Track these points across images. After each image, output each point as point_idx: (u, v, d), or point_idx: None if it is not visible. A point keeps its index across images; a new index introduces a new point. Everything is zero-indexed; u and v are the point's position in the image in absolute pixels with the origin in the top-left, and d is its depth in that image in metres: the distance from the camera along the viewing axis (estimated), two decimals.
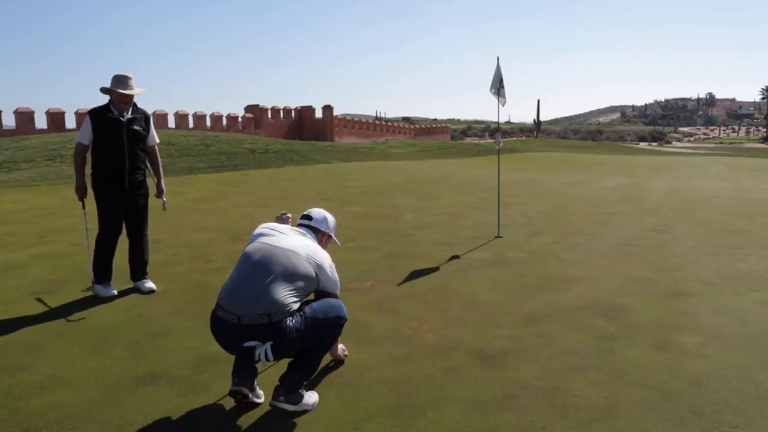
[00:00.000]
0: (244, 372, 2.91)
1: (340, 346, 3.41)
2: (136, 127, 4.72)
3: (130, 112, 4.70)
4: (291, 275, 2.85)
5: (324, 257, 3.05)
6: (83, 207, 4.94)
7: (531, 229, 7.63)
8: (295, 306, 2.83)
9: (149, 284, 4.96)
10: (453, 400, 3.02)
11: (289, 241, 2.99)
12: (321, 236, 3.24)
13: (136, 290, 4.92)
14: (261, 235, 3.07)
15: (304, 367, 2.94)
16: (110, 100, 4.68)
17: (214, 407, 2.98)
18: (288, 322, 2.77)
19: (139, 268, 4.98)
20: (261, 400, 2.98)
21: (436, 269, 5.60)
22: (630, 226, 7.78)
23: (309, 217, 3.25)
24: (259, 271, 2.85)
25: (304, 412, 2.89)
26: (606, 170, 17.50)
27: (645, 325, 4.07)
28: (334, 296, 3.11)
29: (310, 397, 2.96)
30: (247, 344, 2.75)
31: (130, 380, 3.27)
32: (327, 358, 3.48)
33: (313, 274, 2.94)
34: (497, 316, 4.28)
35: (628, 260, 5.92)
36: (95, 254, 4.84)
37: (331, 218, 3.32)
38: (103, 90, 4.65)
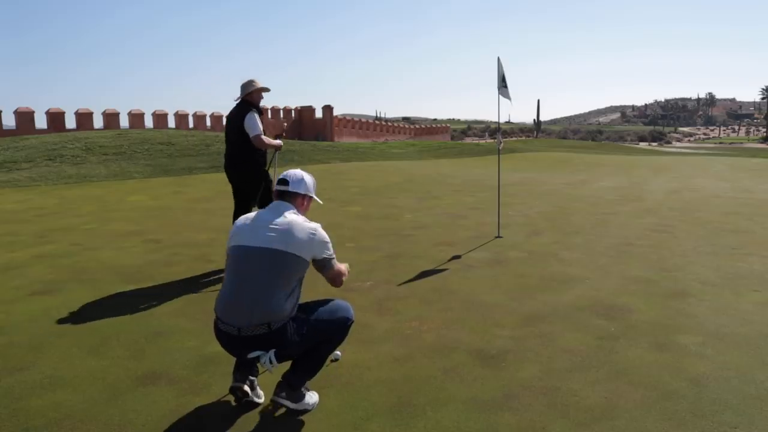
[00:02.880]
0: (245, 370, 2.92)
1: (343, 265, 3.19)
2: None
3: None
4: (278, 272, 2.75)
5: (302, 229, 2.83)
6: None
7: (531, 229, 7.62)
8: (292, 307, 2.78)
9: None
10: (453, 400, 3.02)
11: (264, 235, 2.80)
12: (301, 200, 3.04)
13: None
14: (235, 235, 2.90)
15: (309, 366, 2.93)
16: (245, 100, 5.53)
17: (214, 407, 2.98)
18: (289, 327, 2.75)
19: None
20: (261, 400, 2.98)
21: (436, 269, 5.60)
22: (630, 226, 7.78)
23: (285, 182, 3.01)
24: (246, 279, 2.77)
25: (305, 411, 2.89)
26: (606, 170, 17.50)
27: (645, 325, 4.07)
28: (330, 260, 2.94)
29: (311, 397, 2.96)
30: (251, 355, 2.75)
31: (130, 380, 3.27)
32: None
33: (298, 254, 2.79)
34: (497, 316, 4.27)
35: (628, 260, 5.92)
36: None
37: (309, 178, 3.09)
38: (249, 92, 5.50)
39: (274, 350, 2.72)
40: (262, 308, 2.72)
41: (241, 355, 2.83)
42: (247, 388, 2.90)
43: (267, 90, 5.63)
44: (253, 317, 2.71)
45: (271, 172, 5.74)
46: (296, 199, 3.00)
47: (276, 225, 2.83)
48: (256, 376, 3.00)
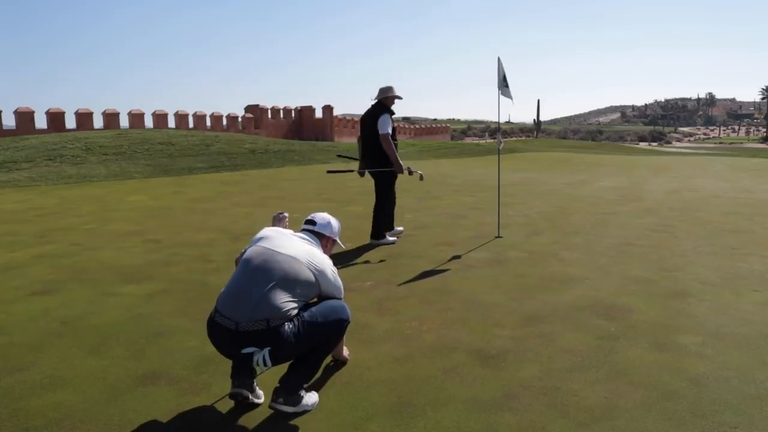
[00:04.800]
0: (243, 374, 2.91)
1: (345, 348, 3.41)
2: None
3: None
4: (291, 282, 2.83)
5: (326, 263, 3.01)
6: (410, 173, 6.85)
7: (531, 229, 7.62)
8: (294, 311, 2.81)
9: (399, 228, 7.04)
10: (453, 400, 3.02)
11: (291, 246, 2.95)
12: (325, 241, 3.21)
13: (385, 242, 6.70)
14: (262, 238, 3.03)
15: (305, 369, 2.93)
16: (380, 103, 6.46)
17: (214, 407, 2.98)
18: (286, 327, 2.75)
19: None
20: (261, 400, 2.97)
21: (436, 269, 5.60)
22: (630, 226, 7.78)
23: (313, 222, 3.20)
24: (259, 277, 2.82)
25: (304, 412, 2.89)
26: (606, 170, 17.49)
27: (645, 325, 4.07)
28: (340, 298, 3.09)
29: (310, 398, 2.95)
30: (245, 351, 2.73)
31: (130, 380, 3.27)
32: (327, 358, 3.48)
33: (314, 280, 2.92)
34: (497, 316, 4.27)
35: (628, 260, 5.91)
36: (388, 216, 6.77)
37: (335, 223, 3.28)
38: (386, 96, 6.44)
39: (268, 349, 2.72)
40: (267, 304, 2.74)
41: (233, 353, 2.82)
42: (246, 392, 2.89)
43: (400, 98, 6.58)
44: (255, 312, 2.73)
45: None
46: (321, 239, 3.17)
47: (309, 249, 3.00)
48: (255, 378, 2.99)
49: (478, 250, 6.42)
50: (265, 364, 2.73)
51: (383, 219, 6.71)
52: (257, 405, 2.96)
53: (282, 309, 2.76)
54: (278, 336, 2.73)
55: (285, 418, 2.84)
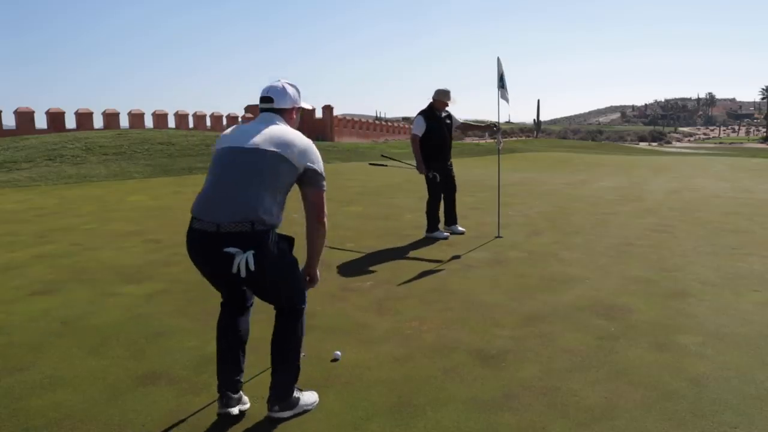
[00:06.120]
0: (230, 385, 2.84)
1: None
2: (447, 121, 6.94)
3: (442, 113, 6.92)
4: (268, 172, 2.65)
5: (298, 136, 2.77)
6: (431, 177, 6.95)
7: (531, 229, 7.62)
8: (277, 213, 2.65)
9: (460, 228, 7.26)
10: (453, 400, 3.02)
11: (257, 136, 2.71)
12: (289, 114, 2.90)
13: (452, 232, 7.16)
14: (225, 138, 2.81)
15: (286, 369, 2.85)
16: (431, 105, 6.87)
17: (214, 407, 2.97)
18: (272, 235, 2.62)
19: (452, 215, 7.24)
20: (248, 405, 2.92)
21: (436, 269, 5.60)
22: (630, 226, 7.78)
23: (270, 100, 2.85)
24: (234, 176, 2.64)
25: (305, 412, 2.89)
26: (606, 170, 17.49)
27: (645, 325, 4.07)
28: (321, 177, 2.86)
29: (309, 397, 2.94)
30: (227, 250, 2.55)
31: (130, 380, 3.27)
32: (326, 359, 3.48)
33: (291, 159, 2.69)
34: (497, 316, 4.27)
35: (628, 260, 5.91)
36: (431, 213, 7.02)
37: (290, 88, 2.91)
38: (436, 99, 6.83)
39: (252, 252, 2.56)
40: (247, 204, 2.58)
41: (214, 261, 2.62)
42: (235, 410, 2.84)
43: (452, 101, 6.86)
44: (236, 212, 2.56)
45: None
46: (284, 113, 2.87)
47: (269, 131, 2.73)
48: (240, 390, 2.91)
49: (478, 250, 6.42)
50: (248, 268, 2.56)
51: (429, 213, 7.04)
52: (257, 405, 2.95)
53: (265, 208, 2.59)
54: (264, 241, 2.58)
55: (285, 418, 2.84)
